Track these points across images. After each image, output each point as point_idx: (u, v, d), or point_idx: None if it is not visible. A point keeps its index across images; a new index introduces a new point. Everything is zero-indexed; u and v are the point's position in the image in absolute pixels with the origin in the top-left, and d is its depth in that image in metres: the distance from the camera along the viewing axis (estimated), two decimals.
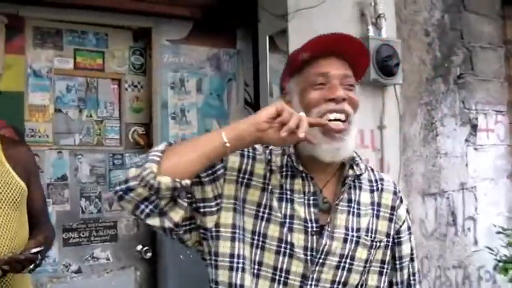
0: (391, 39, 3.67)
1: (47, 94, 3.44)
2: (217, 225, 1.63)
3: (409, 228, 1.81)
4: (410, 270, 1.82)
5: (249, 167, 1.67)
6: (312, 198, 1.65)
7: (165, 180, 1.45)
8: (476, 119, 4.16)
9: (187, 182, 1.49)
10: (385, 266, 1.74)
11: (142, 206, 1.51)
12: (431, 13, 4.04)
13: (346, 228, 1.65)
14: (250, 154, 1.70)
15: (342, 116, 1.61)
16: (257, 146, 1.71)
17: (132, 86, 3.71)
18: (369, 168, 1.82)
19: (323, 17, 3.46)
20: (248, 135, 1.50)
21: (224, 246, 1.63)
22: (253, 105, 3.83)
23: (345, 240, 1.64)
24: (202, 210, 1.62)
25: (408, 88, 3.88)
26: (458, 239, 4.02)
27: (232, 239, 1.63)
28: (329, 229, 1.63)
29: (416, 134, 3.90)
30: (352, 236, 1.65)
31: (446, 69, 4.07)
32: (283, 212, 1.63)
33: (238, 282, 1.61)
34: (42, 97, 3.43)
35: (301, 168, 1.66)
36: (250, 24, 3.79)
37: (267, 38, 3.63)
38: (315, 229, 1.62)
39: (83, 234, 3.49)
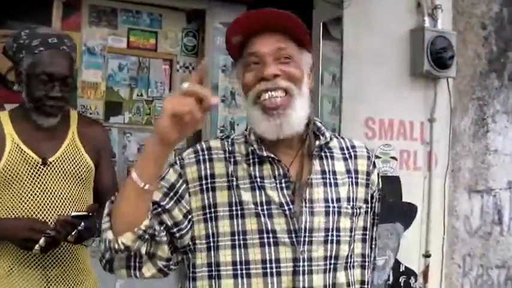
0: (447, 31, 3.60)
1: (100, 72, 3.52)
2: (192, 238, 1.60)
3: (378, 191, 1.77)
4: (372, 234, 1.76)
5: (208, 171, 1.62)
6: (283, 180, 1.60)
7: (126, 239, 1.45)
8: None
9: (147, 223, 1.46)
10: (367, 233, 1.71)
11: (132, 264, 1.53)
12: (489, 6, 3.93)
13: (326, 201, 1.61)
14: (206, 157, 1.64)
15: (278, 93, 1.56)
16: (212, 143, 1.67)
17: (184, 67, 3.75)
18: (338, 137, 1.77)
19: (379, 6, 3.42)
20: (158, 152, 1.42)
21: (201, 258, 1.60)
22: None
23: (327, 213, 1.60)
24: (177, 234, 1.58)
25: (461, 82, 3.80)
26: (503, 239, 3.95)
27: (208, 249, 1.59)
28: (307, 205, 1.59)
29: (467, 129, 3.83)
30: (333, 207, 1.61)
31: (502, 65, 3.97)
32: (258, 200, 1.58)
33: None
34: (95, 74, 3.51)
35: (265, 153, 1.61)
36: (305, 10, 3.76)
37: (321, 25, 3.61)
38: (292, 210, 1.57)
39: None
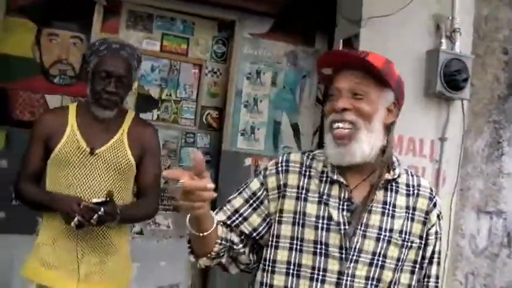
0: (463, 54, 3.70)
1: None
2: (272, 236, 1.85)
3: (436, 232, 1.90)
4: (428, 271, 1.90)
5: (282, 181, 1.85)
6: (346, 203, 1.79)
7: (203, 261, 1.79)
8: None
9: (216, 249, 1.77)
10: (417, 266, 1.85)
11: (220, 267, 1.87)
12: None
13: (380, 228, 1.78)
14: (284, 168, 1.88)
15: (345, 125, 1.76)
16: (292, 156, 1.91)
17: (212, 72, 4.02)
18: (409, 173, 1.92)
19: (396, 26, 3.58)
20: (198, 221, 1.67)
21: (271, 253, 1.84)
22: (322, 102, 4.02)
23: (378, 239, 1.78)
24: (257, 236, 1.85)
25: (477, 104, 3.90)
26: (511, 262, 4.01)
27: (271, 247, 1.84)
28: (362, 228, 1.78)
29: (480, 151, 3.92)
30: (385, 235, 1.78)
31: None
32: (320, 214, 1.79)
33: (282, 284, 1.81)
34: None
35: (335, 177, 1.81)
36: (329, 27, 3.97)
37: (341, 41, 3.80)
38: (347, 230, 1.77)
39: None
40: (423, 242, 1.86)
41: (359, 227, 1.78)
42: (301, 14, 3.98)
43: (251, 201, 1.86)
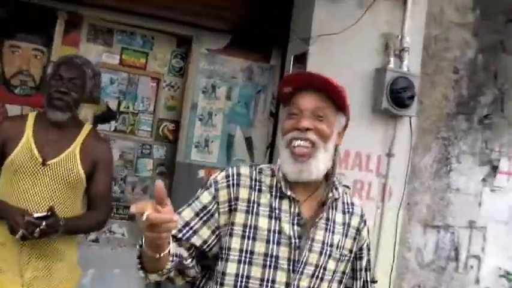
0: (410, 73, 3.79)
1: None
2: (220, 249, 1.93)
3: (367, 245, 2.08)
4: (365, 278, 2.10)
5: (233, 195, 1.92)
6: (296, 218, 1.90)
7: (153, 277, 1.81)
8: (498, 160, 4.19)
9: (168, 266, 1.78)
10: (344, 276, 2.00)
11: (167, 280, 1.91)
12: (463, 51, 4.12)
13: (323, 243, 1.91)
14: (235, 181, 1.94)
15: (306, 143, 1.86)
16: (242, 169, 1.97)
17: (169, 85, 4.15)
18: (346, 192, 2.06)
19: (345, 44, 3.69)
20: (153, 247, 1.68)
21: (221, 266, 1.92)
22: (276, 116, 4.15)
23: (320, 253, 1.90)
24: (206, 249, 1.92)
25: (426, 121, 4.00)
26: (459, 276, 4.09)
27: (221, 259, 1.92)
28: (309, 243, 1.89)
29: (428, 167, 4.02)
30: (327, 250, 1.91)
31: (471, 108, 4.13)
32: (272, 228, 1.89)
33: None
34: None
35: (289, 193, 1.91)
36: (285, 43, 4.10)
37: (292, 58, 3.92)
38: (297, 244, 1.88)
39: None
40: (353, 255, 2.00)
41: (307, 241, 1.89)
42: (257, 30, 4.10)
43: (201, 214, 1.92)
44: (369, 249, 2.10)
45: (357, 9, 3.72)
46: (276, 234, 1.87)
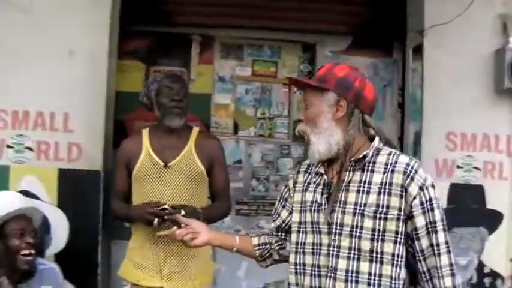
0: None
1: (229, 95, 4.44)
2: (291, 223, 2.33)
3: (422, 203, 2.08)
4: (429, 241, 2.08)
5: (293, 180, 2.33)
6: (325, 188, 2.17)
7: (260, 264, 2.44)
8: None
9: (257, 254, 2.39)
10: (400, 236, 2.06)
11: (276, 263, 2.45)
12: None
13: (355, 204, 2.09)
14: (297, 170, 2.34)
15: (305, 134, 2.20)
16: (305, 161, 2.34)
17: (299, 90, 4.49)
18: (392, 153, 2.14)
19: (458, 31, 3.81)
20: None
21: (291, 237, 2.28)
22: (403, 108, 4.35)
23: (354, 214, 2.09)
24: (286, 227, 2.35)
25: None
26: None
27: (291, 232, 2.29)
28: (341, 206, 2.12)
29: None
30: (359, 209, 2.08)
31: None
32: (312, 199, 2.20)
33: (293, 261, 2.23)
34: (225, 98, 4.44)
35: (316, 169, 2.22)
36: (403, 37, 4.29)
37: (411, 51, 4.10)
38: (327, 209, 2.13)
39: (252, 207, 4.41)
40: (404, 214, 2.06)
41: (338, 205, 2.12)
42: (376, 28, 4.32)
43: (282, 202, 2.37)
44: (425, 209, 2.07)
45: None
46: (315, 204, 2.15)
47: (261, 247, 2.36)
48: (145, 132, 3.23)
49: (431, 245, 2.07)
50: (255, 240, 2.37)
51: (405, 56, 4.26)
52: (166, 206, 2.93)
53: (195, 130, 3.25)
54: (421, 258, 2.09)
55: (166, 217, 2.88)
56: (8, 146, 3.52)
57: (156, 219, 2.90)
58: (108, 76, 3.67)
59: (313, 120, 2.14)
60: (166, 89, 3.11)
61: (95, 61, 3.60)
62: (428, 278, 2.08)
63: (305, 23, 4.34)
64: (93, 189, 3.51)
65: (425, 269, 2.08)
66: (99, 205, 3.47)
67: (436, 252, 2.07)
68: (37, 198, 3.45)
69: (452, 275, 2.06)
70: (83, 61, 3.59)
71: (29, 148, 3.52)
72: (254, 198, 4.44)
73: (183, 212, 2.85)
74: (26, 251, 2.78)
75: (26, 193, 3.41)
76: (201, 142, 3.18)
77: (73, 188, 3.52)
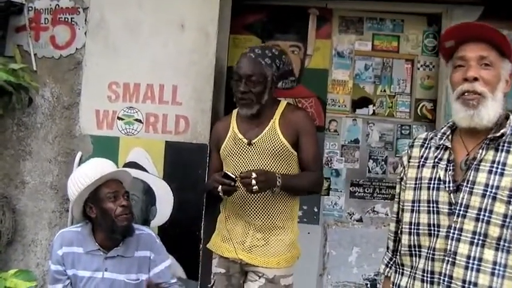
0: None
1: (347, 71, 4.20)
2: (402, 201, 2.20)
3: None
4: None
5: (407, 155, 2.19)
6: (451, 164, 2.00)
7: None
8: None
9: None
10: None
11: None
12: None
13: (486, 185, 1.90)
14: (410, 145, 2.23)
15: (475, 95, 1.94)
16: (422, 135, 2.22)
17: (424, 65, 4.17)
18: None
19: None
20: None
21: (401, 216, 2.17)
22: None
23: (483, 196, 1.90)
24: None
25: None
26: None
27: (403, 210, 2.15)
28: (468, 185, 1.93)
29: None
30: (491, 192, 1.89)
31: None
32: (432, 176, 2.02)
33: (407, 243, 2.09)
34: (343, 74, 4.21)
35: (447, 144, 2.03)
36: None
37: None
38: (452, 188, 1.96)
39: (367, 190, 4.17)
40: None
41: (465, 184, 1.91)
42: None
43: (401, 182, 2.21)
44: None
45: None
46: (435, 181, 1.99)
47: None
48: (234, 113, 3.24)
49: None
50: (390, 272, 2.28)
51: None
52: (231, 175, 2.88)
53: (282, 104, 3.17)
54: None
55: (232, 184, 2.87)
56: (119, 118, 3.55)
57: (220, 186, 2.89)
58: (218, 50, 3.59)
59: (493, 84, 1.96)
60: (235, 76, 3.05)
61: (206, 35, 3.54)
62: None
63: None
64: (199, 162, 3.46)
65: None
66: (204, 179, 3.41)
67: None
68: (144, 170, 3.47)
69: None
70: (193, 35, 3.55)
71: (139, 120, 3.54)
72: (370, 181, 4.18)
73: (254, 175, 2.81)
74: (121, 212, 2.85)
75: (134, 165, 3.46)
76: (285, 116, 3.11)
77: (179, 160, 3.50)
